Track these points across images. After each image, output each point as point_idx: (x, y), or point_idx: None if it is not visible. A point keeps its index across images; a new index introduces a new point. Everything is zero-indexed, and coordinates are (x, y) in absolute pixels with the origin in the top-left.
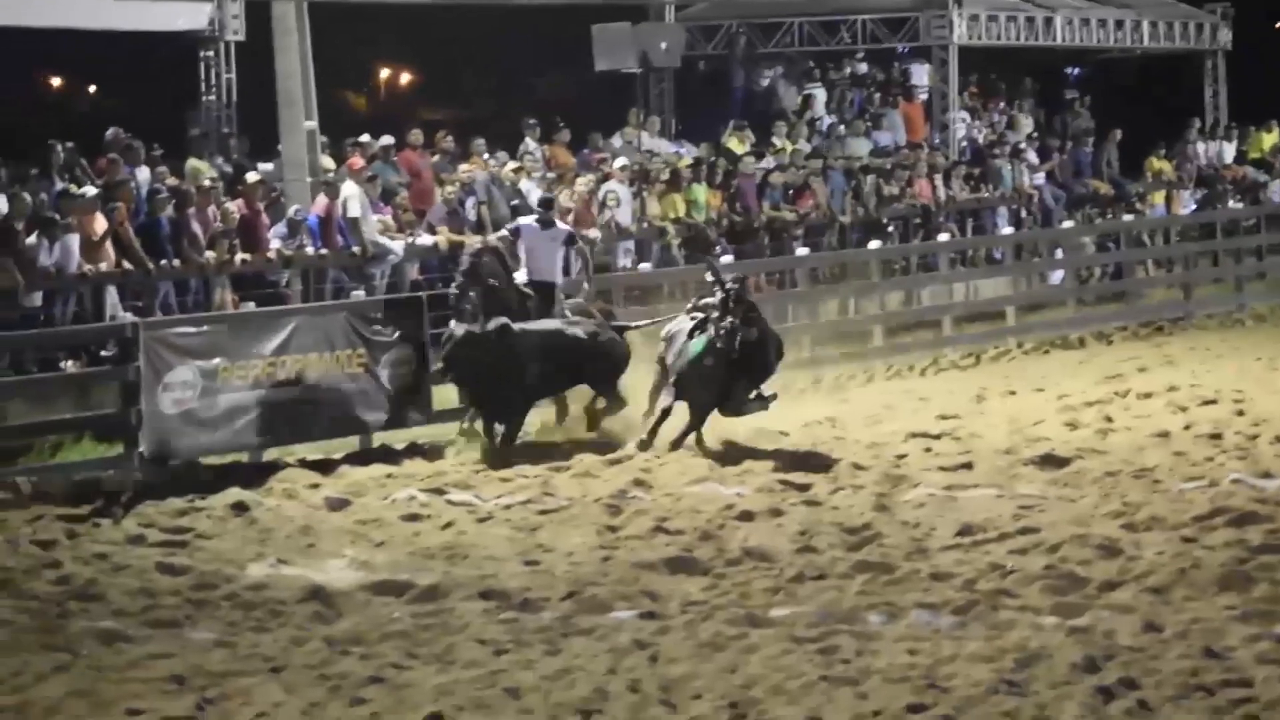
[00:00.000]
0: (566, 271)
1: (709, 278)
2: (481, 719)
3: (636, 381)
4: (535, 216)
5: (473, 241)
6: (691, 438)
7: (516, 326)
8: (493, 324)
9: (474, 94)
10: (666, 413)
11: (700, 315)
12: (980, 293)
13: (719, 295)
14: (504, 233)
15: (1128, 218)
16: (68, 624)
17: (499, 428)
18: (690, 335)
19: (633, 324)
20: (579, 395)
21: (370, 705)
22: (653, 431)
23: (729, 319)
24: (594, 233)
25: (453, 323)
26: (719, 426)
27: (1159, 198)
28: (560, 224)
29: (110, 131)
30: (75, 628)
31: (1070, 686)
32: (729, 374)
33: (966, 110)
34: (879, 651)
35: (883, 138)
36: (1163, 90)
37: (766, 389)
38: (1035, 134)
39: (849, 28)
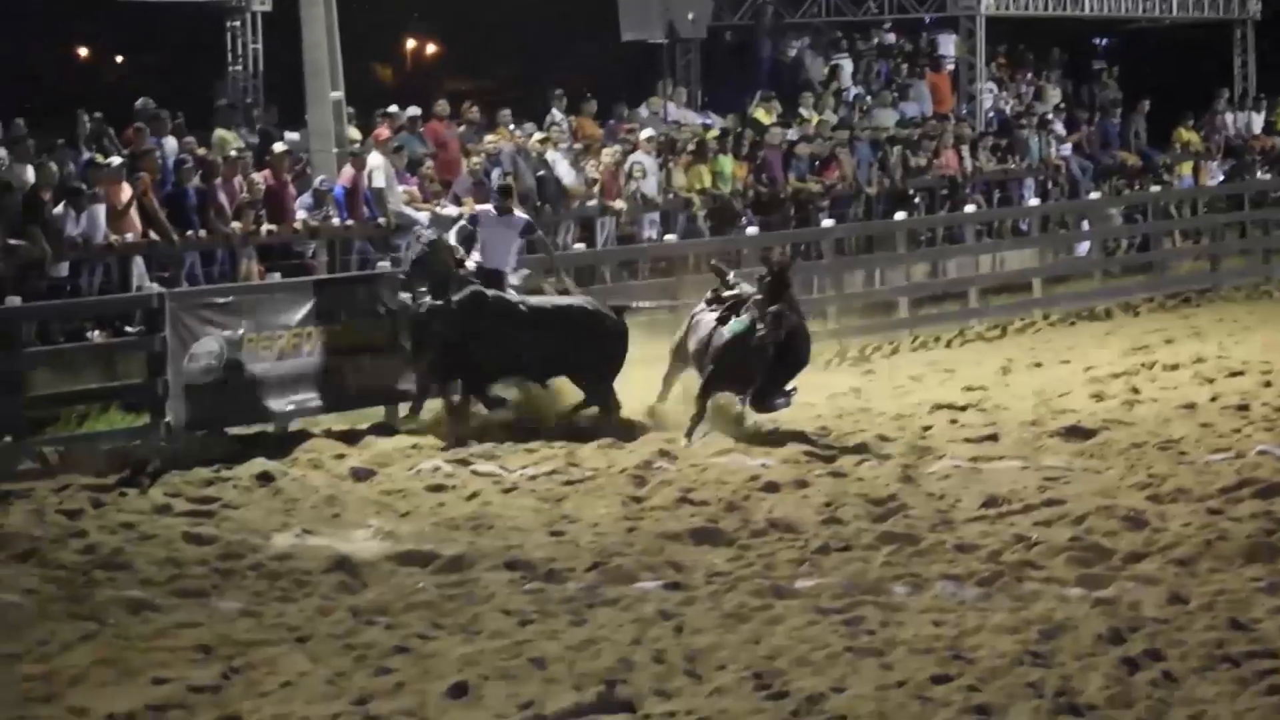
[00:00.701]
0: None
1: (726, 277)
2: (507, 689)
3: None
4: (493, 204)
5: (423, 229)
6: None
7: (492, 293)
8: (463, 293)
9: (500, 65)
10: (703, 406)
11: (724, 304)
12: (1007, 264)
13: (762, 277)
14: (463, 222)
15: (1155, 189)
16: (94, 593)
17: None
18: (721, 321)
19: (632, 304)
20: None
21: (395, 675)
22: (695, 422)
23: (775, 303)
24: (619, 204)
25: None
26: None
27: (1187, 169)
28: (519, 213)
29: (140, 101)
30: (102, 597)
31: (1095, 658)
32: (766, 362)
33: (994, 81)
34: (904, 623)
35: (909, 108)
36: (1191, 61)
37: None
38: (1063, 105)
39: None
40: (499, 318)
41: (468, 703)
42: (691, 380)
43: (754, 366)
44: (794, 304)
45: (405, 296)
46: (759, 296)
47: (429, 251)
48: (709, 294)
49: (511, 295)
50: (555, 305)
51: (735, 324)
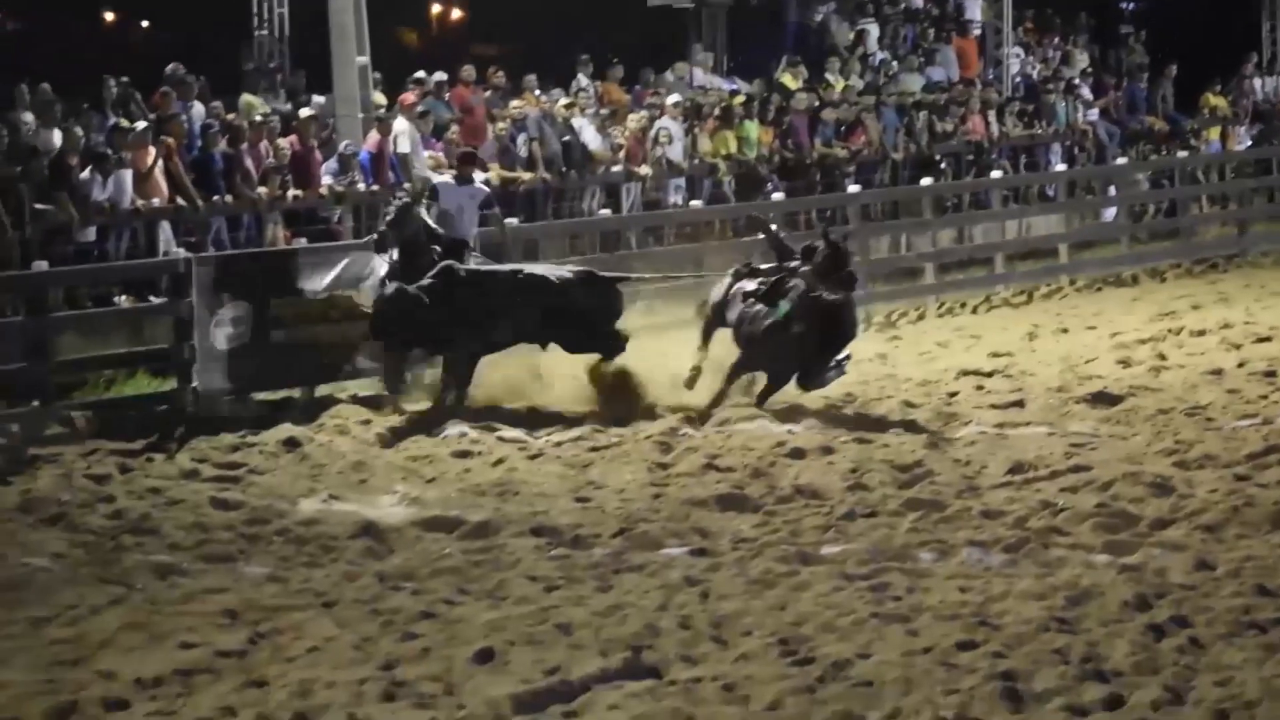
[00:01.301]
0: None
1: (772, 229)
2: (533, 654)
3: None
4: (453, 173)
5: (400, 192)
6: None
7: (465, 269)
8: (436, 270)
9: (526, 30)
10: (728, 388)
11: (766, 278)
12: (1033, 230)
13: (820, 246)
14: (428, 200)
15: (1182, 154)
16: (122, 558)
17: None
18: (758, 298)
19: (630, 275)
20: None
21: (422, 640)
22: (717, 402)
23: (838, 275)
24: (645, 169)
25: (377, 272)
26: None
27: (1214, 134)
28: (479, 184)
29: (170, 67)
30: (130, 561)
31: (1121, 624)
32: (817, 339)
33: (1020, 46)
34: (930, 589)
35: (936, 73)
36: (1219, 25)
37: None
38: (1090, 69)
39: None
40: (470, 290)
41: (494, 668)
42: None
43: (793, 353)
44: (851, 280)
45: (380, 261)
46: (803, 272)
47: (399, 216)
48: (748, 263)
49: (484, 265)
50: (529, 274)
51: (777, 309)
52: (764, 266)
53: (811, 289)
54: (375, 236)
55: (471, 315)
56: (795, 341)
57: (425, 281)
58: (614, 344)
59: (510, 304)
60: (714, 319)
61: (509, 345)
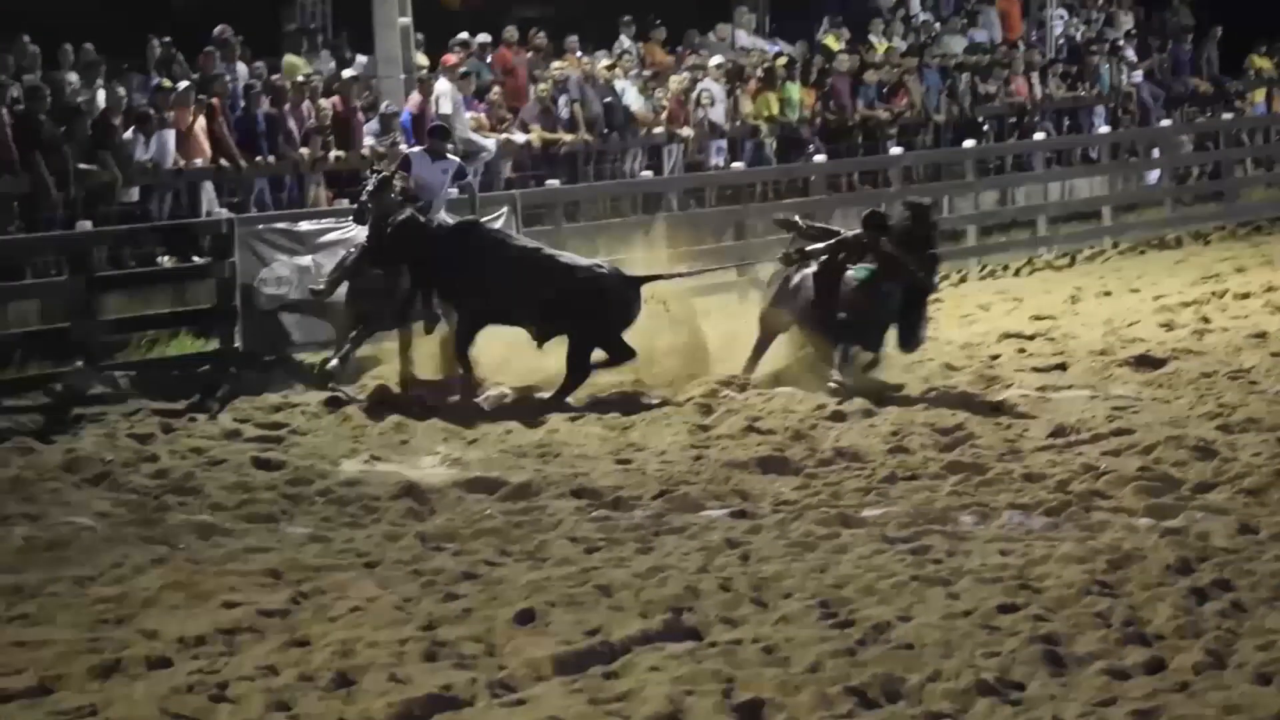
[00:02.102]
0: None
1: (801, 226)
2: (573, 616)
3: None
4: (425, 146)
5: (378, 165)
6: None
7: (490, 228)
8: (460, 221)
9: None
10: (844, 360)
11: (829, 249)
12: (1076, 192)
13: (905, 212)
14: (393, 167)
15: (1227, 116)
16: (165, 517)
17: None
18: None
19: (662, 273)
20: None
21: (463, 601)
22: (843, 380)
23: (919, 247)
24: (687, 131)
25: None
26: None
27: (1259, 96)
28: (451, 156)
29: (218, 29)
30: (173, 521)
31: (1163, 588)
32: (907, 304)
33: (1064, 7)
34: (971, 552)
35: (979, 35)
36: None
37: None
38: (1134, 31)
39: None
40: (487, 249)
41: (534, 629)
42: (792, 344)
43: (888, 322)
44: (934, 262)
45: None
46: (897, 237)
47: (379, 187)
48: (788, 251)
49: (509, 234)
50: (550, 254)
51: (858, 271)
52: (817, 248)
53: (910, 254)
54: (355, 208)
55: (483, 275)
56: (886, 309)
57: (445, 223)
58: (624, 350)
59: (525, 279)
60: (766, 331)
61: (512, 322)
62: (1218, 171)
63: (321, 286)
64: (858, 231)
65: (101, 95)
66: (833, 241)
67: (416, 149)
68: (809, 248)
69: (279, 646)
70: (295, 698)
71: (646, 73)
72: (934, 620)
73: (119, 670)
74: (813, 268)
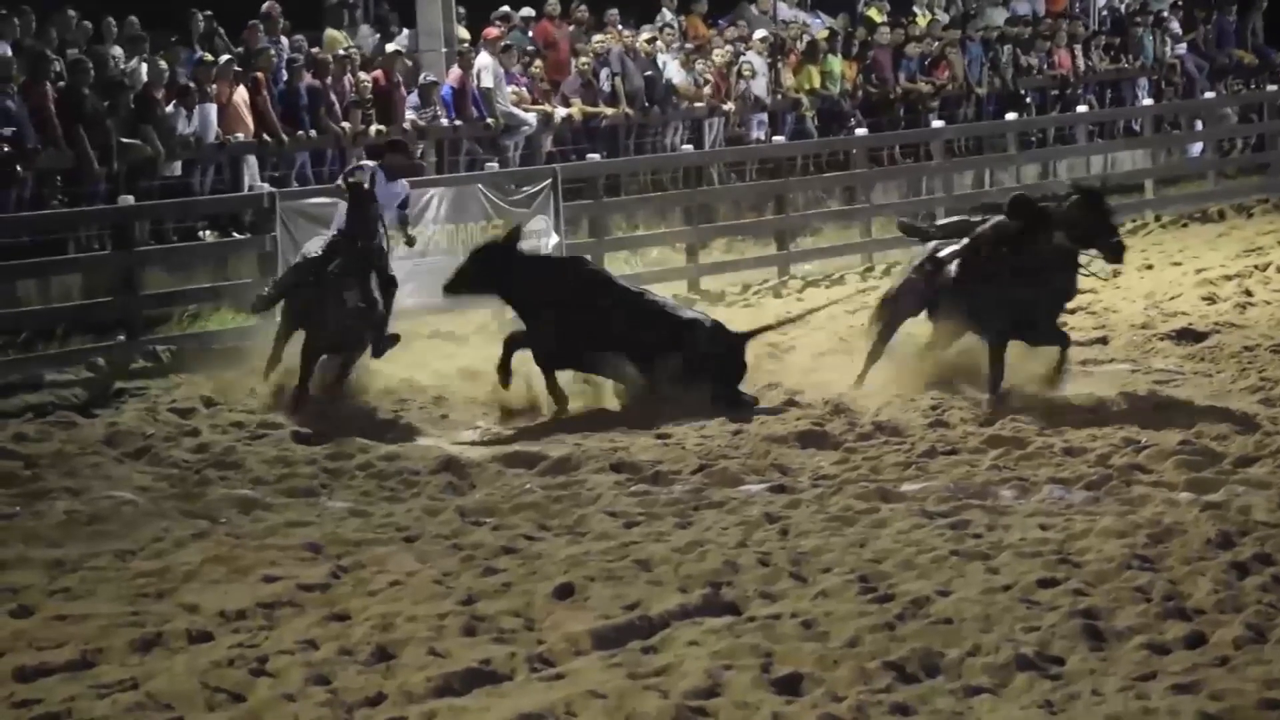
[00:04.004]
0: None
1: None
2: (612, 590)
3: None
4: (382, 161)
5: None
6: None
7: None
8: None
9: None
10: (1001, 367)
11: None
12: (1119, 165)
13: (1077, 198)
14: (354, 179)
15: (1271, 88)
16: (206, 492)
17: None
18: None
19: (761, 326)
20: None
21: (502, 575)
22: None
23: (1109, 231)
24: (729, 105)
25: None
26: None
27: None
28: (403, 183)
29: (265, 5)
30: (214, 495)
31: (1204, 562)
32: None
33: None
34: (1010, 526)
35: (1021, 7)
36: None
37: None
38: (1178, 2)
39: None
40: (589, 289)
41: (573, 603)
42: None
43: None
44: (1120, 249)
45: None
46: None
47: (356, 201)
48: (922, 260)
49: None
50: (653, 299)
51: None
52: (949, 252)
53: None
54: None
55: (575, 315)
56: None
57: (548, 252)
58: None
59: (622, 324)
60: (880, 339)
61: (593, 369)
62: (1261, 144)
63: (265, 293)
64: (997, 221)
65: (144, 69)
66: (972, 239)
67: (370, 162)
68: (942, 253)
69: (319, 620)
70: (335, 671)
71: (688, 46)
72: (973, 595)
73: (159, 644)
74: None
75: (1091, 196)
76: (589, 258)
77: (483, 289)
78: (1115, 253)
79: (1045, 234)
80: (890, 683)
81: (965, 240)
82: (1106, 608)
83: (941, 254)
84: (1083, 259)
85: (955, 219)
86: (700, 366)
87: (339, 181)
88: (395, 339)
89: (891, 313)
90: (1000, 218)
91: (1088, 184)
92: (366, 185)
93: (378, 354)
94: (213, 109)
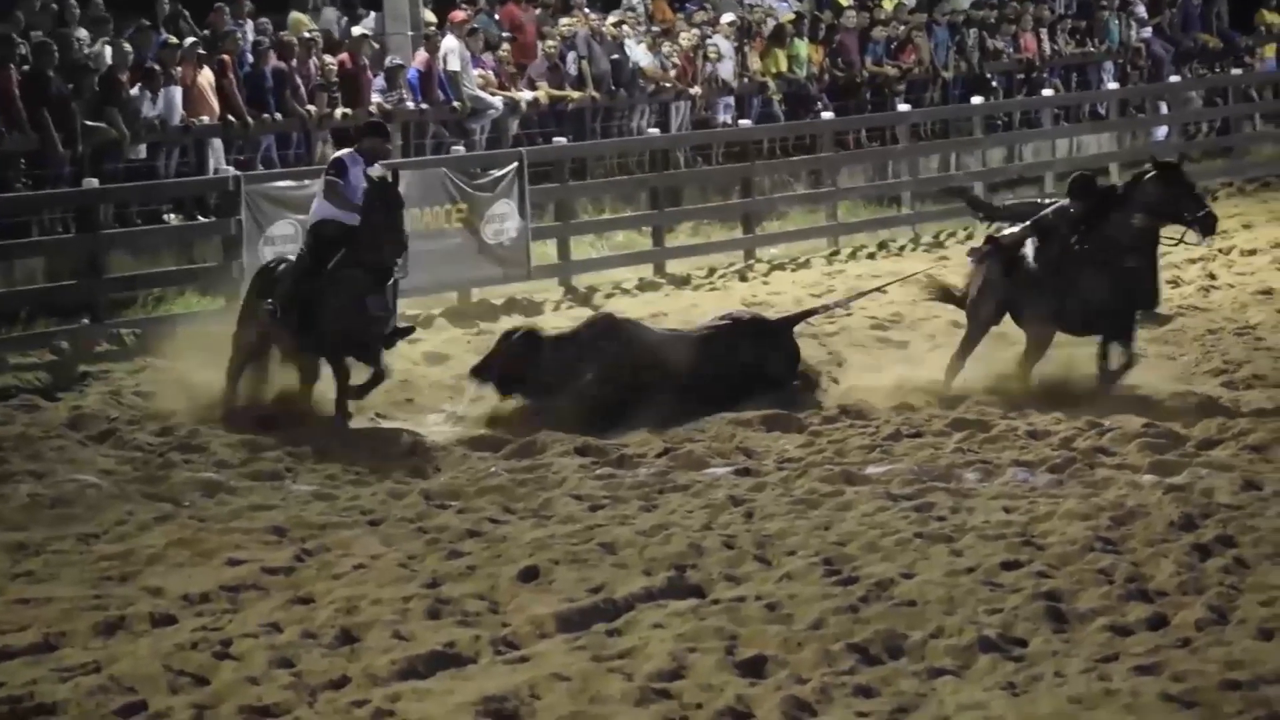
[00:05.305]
0: None
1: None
2: (577, 573)
3: None
4: (359, 146)
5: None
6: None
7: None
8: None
9: None
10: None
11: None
12: (1084, 149)
13: (1155, 174)
14: (331, 176)
15: (1236, 72)
16: (170, 475)
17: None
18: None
19: (797, 313)
20: None
21: (467, 558)
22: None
23: (1196, 202)
24: (695, 89)
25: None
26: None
27: (1269, 51)
28: (379, 167)
29: None
30: (178, 479)
31: (1167, 544)
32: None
33: None
34: (974, 509)
35: None
36: None
37: None
38: None
39: None
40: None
41: (538, 586)
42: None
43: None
44: (1213, 222)
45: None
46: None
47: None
48: (985, 248)
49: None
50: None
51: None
52: (1009, 232)
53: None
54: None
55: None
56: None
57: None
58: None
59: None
60: (975, 329)
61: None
62: (1226, 128)
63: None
64: (1059, 205)
65: (109, 52)
66: (1031, 224)
67: (347, 151)
68: (1002, 234)
69: (283, 604)
70: (299, 654)
71: (655, 29)
72: (937, 577)
73: (123, 627)
74: (1030, 249)
75: (1171, 170)
76: (611, 315)
77: (513, 385)
78: (1207, 225)
79: (1121, 215)
80: (854, 665)
81: (1020, 226)
82: (1069, 590)
83: (1004, 243)
84: (1173, 235)
85: (1025, 200)
86: (771, 361)
87: (364, 178)
88: (410, 330)
89: (974, 322)
90: (1063, 201)
91: (1165, 158)
92: (391, 180)
93: (388, 346)
94: (178, 92)
